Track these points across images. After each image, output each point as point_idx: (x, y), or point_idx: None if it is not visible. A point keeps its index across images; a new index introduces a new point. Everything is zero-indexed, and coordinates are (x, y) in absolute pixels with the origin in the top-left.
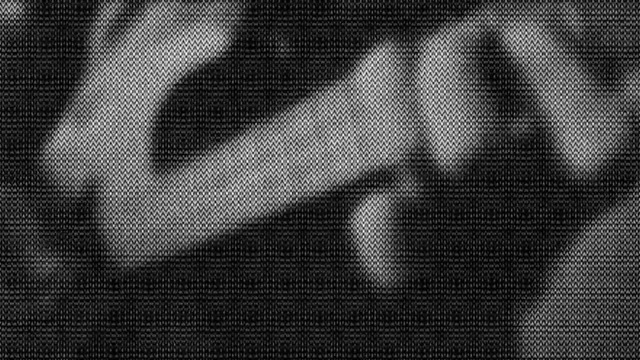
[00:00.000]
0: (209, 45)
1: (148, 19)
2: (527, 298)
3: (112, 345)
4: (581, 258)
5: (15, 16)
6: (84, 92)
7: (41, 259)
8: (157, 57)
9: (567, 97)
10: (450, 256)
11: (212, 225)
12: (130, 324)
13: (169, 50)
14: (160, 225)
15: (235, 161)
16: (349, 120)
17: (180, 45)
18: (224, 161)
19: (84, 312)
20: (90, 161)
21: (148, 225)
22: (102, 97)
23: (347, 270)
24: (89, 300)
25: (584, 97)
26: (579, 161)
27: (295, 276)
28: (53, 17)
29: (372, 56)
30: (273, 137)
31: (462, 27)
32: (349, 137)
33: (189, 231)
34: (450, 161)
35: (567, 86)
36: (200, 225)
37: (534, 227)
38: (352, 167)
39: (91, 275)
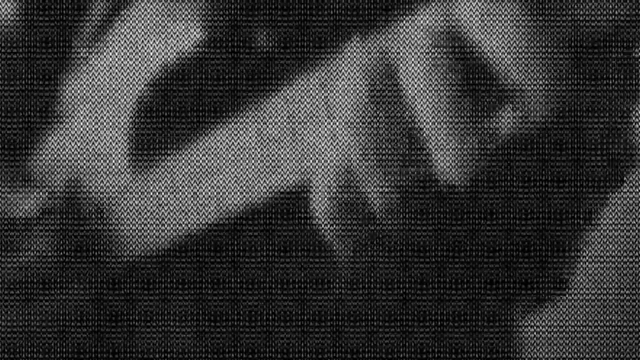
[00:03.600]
0: (185, 42)
1: (130, 18)
2: (529, 299)
3: (112, 345)
4: (581, 258)
5: (13, 16)
6: (66, 92)
7: (21, 199)
8: (136, 56)
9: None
10: (450, 256)
11: (192, 221)
12: (130, 324)
13: (146, 49)
14: (141, 224)
15: (212, 156)
16: (322, 115)
17: (157, 43)
18: (200, 157)
19: (84, 312)
20: (72, 162)
21: (127, 225)
22: (83, 97)
23: (347, 270)
24: (89, 300)
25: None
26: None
27: (295, 276)
28: (52, 16)
29: (344, 52)
30: (248, 132)
31: (426, 18)
32: (322, 132)
33: (170, 228)
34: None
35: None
36: (181, 222)
37: (534, 227)
38: (324, 162)
39: (86, 275)
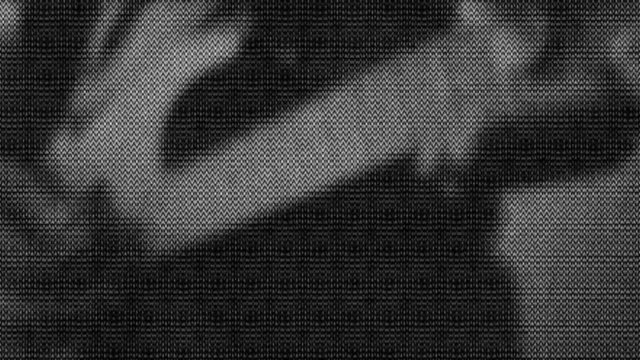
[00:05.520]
0: (220, 52)
1: (150, 20)
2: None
3: (112, 345)
4: (581, 258)
5: (13, 16)
6: (89, 94)
7: (50, 212)
8: (167, 61)
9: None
10: (451, 256)
11: (224, 220)
12: (130, 324)
13: (179, 56)
14: (173, 221)
15: (246, 158)
16: (354, 120)
17: (191, 52)
18: (235, 158)
19: (84, 312)
20: (97, 163)
21: (161, 221)
22: (110, 99)
23: (347, 270)
24: (89, 301)
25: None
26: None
27: (295, 276)
28: (52, 17)
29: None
30: (282, 136)
31: (449, 35)
32: (354, 135)
33: (201, 226)
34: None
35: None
36: (213, 220)
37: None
38: (357, 163)
39: (97, 273)
